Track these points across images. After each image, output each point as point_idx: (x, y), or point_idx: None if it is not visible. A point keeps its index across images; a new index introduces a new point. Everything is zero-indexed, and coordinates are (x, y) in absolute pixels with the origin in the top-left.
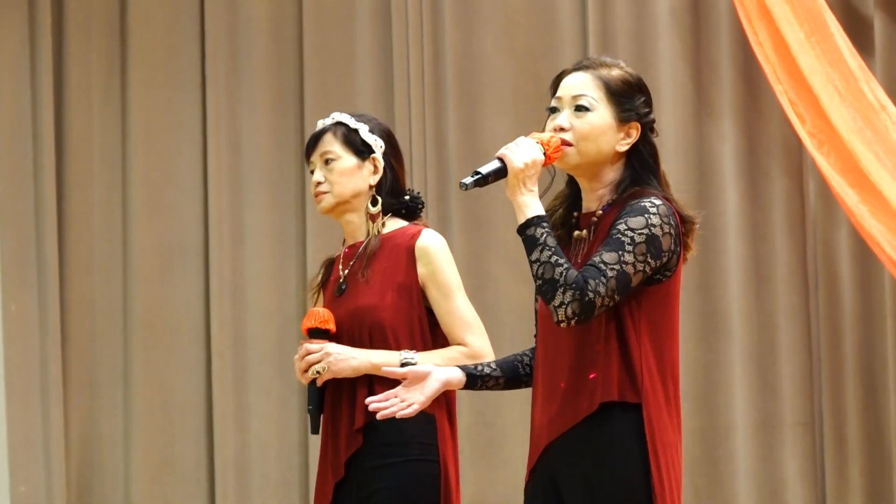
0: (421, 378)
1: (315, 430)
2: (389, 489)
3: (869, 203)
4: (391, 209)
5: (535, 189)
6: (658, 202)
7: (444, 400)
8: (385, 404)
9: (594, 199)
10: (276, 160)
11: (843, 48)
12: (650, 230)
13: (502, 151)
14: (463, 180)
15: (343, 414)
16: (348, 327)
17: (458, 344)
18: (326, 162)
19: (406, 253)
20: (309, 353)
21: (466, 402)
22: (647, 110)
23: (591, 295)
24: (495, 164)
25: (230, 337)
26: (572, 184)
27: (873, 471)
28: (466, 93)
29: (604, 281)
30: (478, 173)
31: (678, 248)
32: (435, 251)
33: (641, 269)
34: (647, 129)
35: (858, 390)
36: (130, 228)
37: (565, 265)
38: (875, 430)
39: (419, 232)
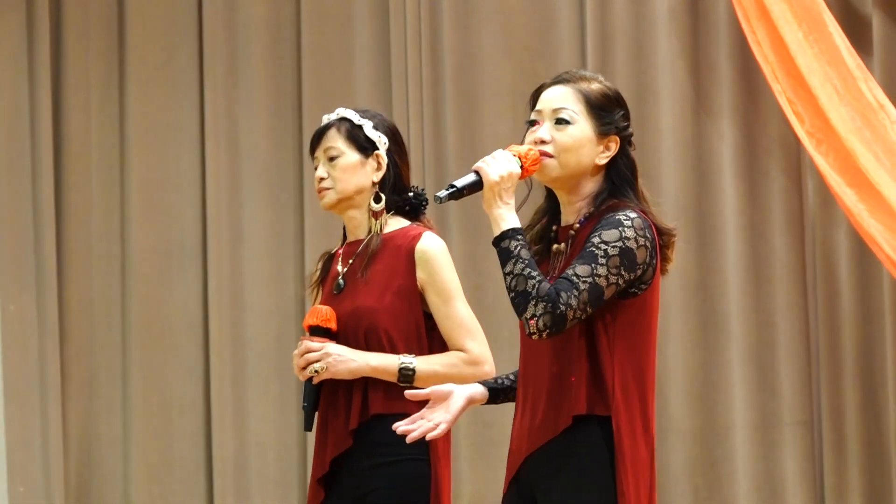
0: (444, 397)
1: (308, 428)
2: (383, 489)
3: (867, 202)
4: (394, 206)
5: (512, 202)
6: (633, 215)
7: None
8: (413, 426)
9: (572, 211)
10: (274, 160)
11: (842, 47)
12: (624, 243)
13: (478, 164)
14: (437, 193)
15: (338, 414)
16: (344, 327)
17: (458, 349)
18: (330, 158)
19: (406, 256)
20: (309, 351)
21: None
22: (625, 124)
23: (562, 308)
24: (471, 178)
25: (229, 337)
26: (551, 197)
27: (872, 469)
28: (465, 92)
29: (576, 294)
30: (453, 186)
31: (654, 261)
32: (435, 256)
33: (615, 281)
34: (626, 142)
35: (857, 389)
36: (129, 228)
37: (538, 277)
38: (874, 428)
39: (420, 235)
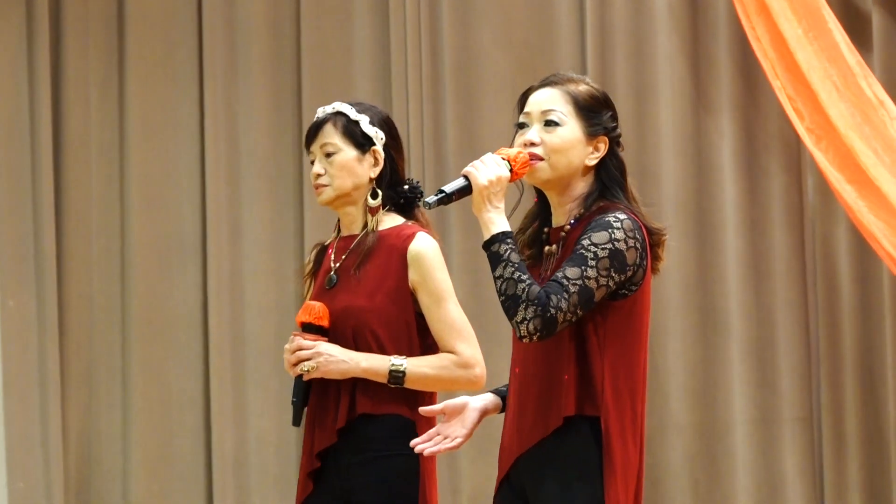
0: (458, 411)
1: (296, 423)
2: (370, 483)
3: (867, 198)
4: (390, 201)
5: (501, 205)
6: (623, 216)
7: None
8: (430, 444)
9: (563, 213)
10: (273, 156)
11: (841, 44)
12: (614, 245)
13: (467, 169)
14: (426, 199)
15: (326, 411)
16: (333, 324)
17: (449, 351)
18: (327, 154)
19: (399, 256)
20: (301, 349)
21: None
22: (614, 124)
23: (552, 311)
24: (460, 182)
25: (228, 332)
26: (542, 200)
27: (872, 465)
28: (464, 88)
29: (566, 296)
30: (442, 192)
31: (644, 262)
32: (427, 257)
33: (605, 283)
34: (615, 143)
35: (857, 385)
36: (128, 224)
37: (528, 281)
38: (874, 424)
39: (413, 235)
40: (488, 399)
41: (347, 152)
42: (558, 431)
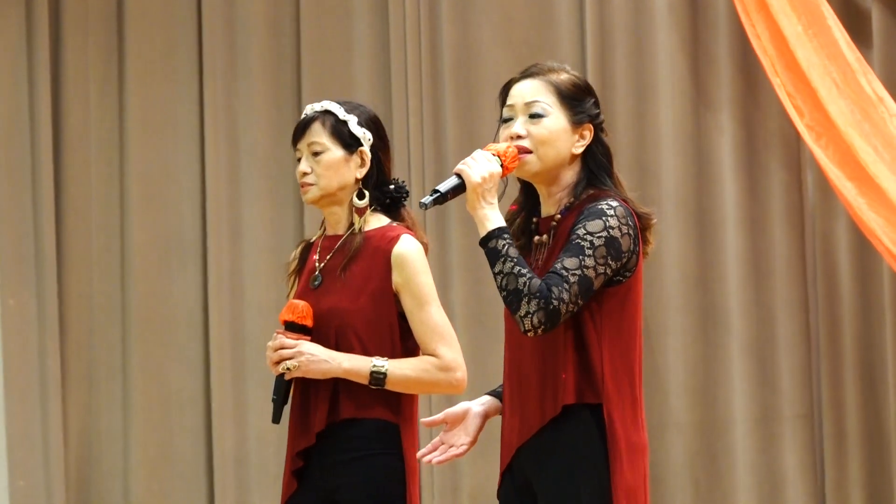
0: (460, 418)
1: (276, 420)
2: (354, 483)
3: (867, 195)
4: (376, 202)
5: (495, 201)
6: (615, 203)
7: (409, 412)
8: (435, 453)
9: (552, 203)
10: (273, 154)
11: (841, 41)
12: (609, 232)
13: (459, 167)
14: (422, 200)
15: (307, 411)
16: (316, 324)
17: (430, 354)
18: (314, 153)
19: (383, 258)
20: (283, 347)
21: (464, 396)
22: (597, 111)
23: (555, 303)
24: (454, 181)
25: (228, 331)
26: (528, 190)
27: (873, 463)
28: (464, 87)
29: (566, 287)
30: (436, 191)
31: (637, 248)
32: (411, 260)
33: (603, 271)
34: (599, 129)
35: (857, 382)
36: (128, 222)
37: (528, 275)
38: (874, 422)
39: (398, 237)
40: (488, 402)
41: (335, 152)
42: (558, 421)
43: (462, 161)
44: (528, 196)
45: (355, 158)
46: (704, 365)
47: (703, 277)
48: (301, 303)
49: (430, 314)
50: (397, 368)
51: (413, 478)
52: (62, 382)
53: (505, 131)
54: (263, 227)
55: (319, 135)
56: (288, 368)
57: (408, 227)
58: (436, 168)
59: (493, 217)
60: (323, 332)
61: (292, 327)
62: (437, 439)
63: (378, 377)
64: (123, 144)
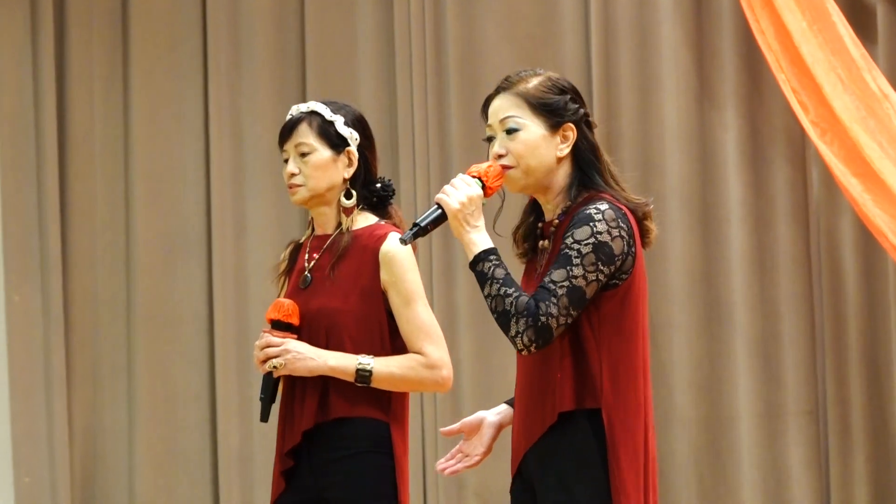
0: (475, 428)
1: (264, 419)
2: (343, 480)
3: (872, 192)
4: (363, 200)
5: (480, 223)
6: (604, 207)
7: (399, 410)
8: (452, 462)
9: (551, 208)
10: (278, 151)
11: (846, 37)
12: (596, 238)
13: (438, 196)
14: (402, 236)
15: (294, 410)
16: (307, 323)
17: (416, 352)
18: (302, 154)
19: (371, 256)
20: (269, 346)
21: (469, 394)
22: (576, 106)
23: (543, 319)
24: (433, 211)
25: (233, 328)
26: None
27: (877, 459)
28: (468, 82)
29: (554, 301)
30: (416, 225)
31: (633, 249)
32: (398, 258)
33: (594, 278)
34: (583, 124)
35: (862, 378)
36: (133, 219)
37: (514, 294)
38: (879, 417)
39: (385, 235)
40: (503, 411)
41: (322, 153)
42: (557, 427)
43: (441, 189)
44: (535, 201)
45: (343, 158)
46: (709, 361)
47: (707, 273)
48: (287, 301)
49: (416, 312)
50: (383, 366)
51: (403, 476)
52: (67, 379)
53: (490, 150)
54: (268, 223)
55: (307, 135)
56: (275, 367)
57: (395, 225)
58: (440, 162)
59: (478, 240)
60: (314, 331)
61: (278, 325)
62: (455, 449)
63: (364, 374)
64: (128, 141)
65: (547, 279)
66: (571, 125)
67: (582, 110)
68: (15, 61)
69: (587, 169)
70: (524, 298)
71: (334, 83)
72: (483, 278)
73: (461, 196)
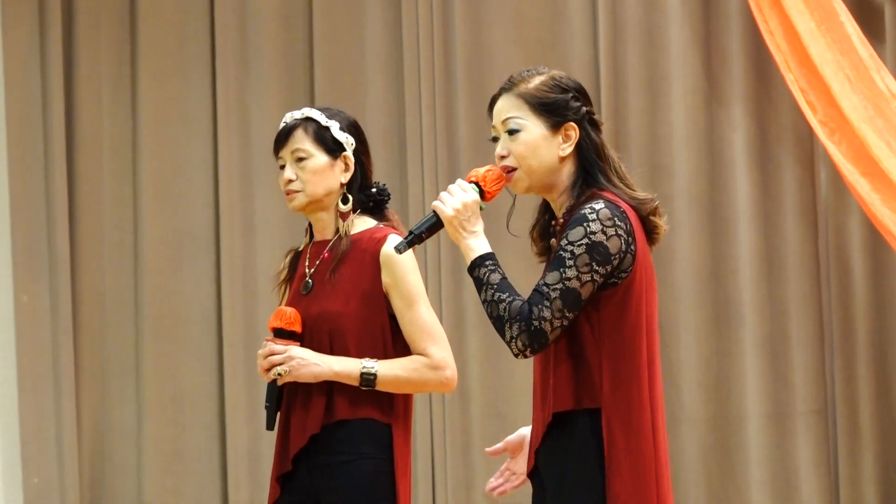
0: (519, 446)
1: (270, 427)
2: (341, 486)
3: (881, 191)
4: (360, 205)
5: (477, 228)
6: (599, 206)
7: (402, 410)
8: (501, 481)
9: (558, 207)
10: None
11: (854, 37)
12: (590, 239)
13: (434, 203)
14: (396, 245)
15: (297, 416)
16: (310, 329)
17: (420, 353)
18: (299, 159)
19: (372, 259)
20: (273, 354)
21: (477, 395)
22: (578, 105)
23: (536, 323)
24: (429, 219)
25: (242, 327)
26: None
27: (886, 458)
28: (476, 84)
29: (547, 304)
30: (411, 233)
31: (631, 247)
32: (399, 259)
33: (589, 279)
34: (586, 122)
35: (871, 378)
36: (141, 219)
37: (507, 299)
38: (888, 417)
39: (385, 237)
40: None
41: (319, 158)
42: (555, 427)
43: (438, 196)
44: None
45: (339, 163)
46: (717, 360)
47: (716, 273)
48: (289, 309)
49: (419, 313)
50: (387, 369)
51: (403, 480)
52: (75, 379)
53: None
54: (276, 223)
55: (303, 141)
56: (279, 374)
57: (393, 228)
58: (448, 164)
59: (475, 246)
60: (317, 336)
61: (281, 334)
62: (503, 467)
63: (368, 378)
64: (136, 141)
65: (541, 282)
66: (573, 124)
67: (584, 109)
68: (23, 61)
69: (590, 168)
70: (517, 303)
71: (342, 84)
72: (479, 284)
73: (456, 202)
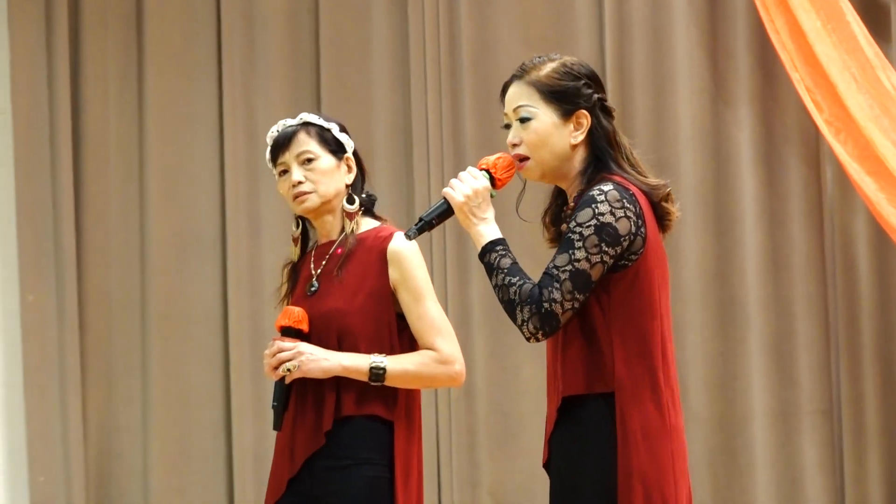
0: None
1: (277, 427)
2: (341, 491)
3: (887, 191)
4: (363, 206)
5: (488, 214)
6: (608, 188)
7: (405, 406)
8: None
9: (570, 193)
10: None
11: (860, 36)
12: (598, 220)
13: (444, 190)
14: (407, 231)
15: (307, 413)
16: (317, 328)
17: (428, 348)
18: (306, 161)
19: (378, 256)
20: (281, 351)
21: (483, 392)
22: (590, 92)
23: (546, 305)
24: (439, 205)
25: (247, 327)
26: None
27: (892, 458)
28: (482, 83)
29: (557, 286)
30: (420, 220)
31: (641, 229)
32: (406, 255)
33: (598, 260)
34: (598, 109)
35: (877, 377)
36: (147, 218)
37: (518, 282)
38: (894, 416)
39: (391, 235)
40: None
41: (326, 159)
42: (568, 412)
43: (448, 183)
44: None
45: (343, 165)
46: (723, 360)
47: (721, 272)
48: (296, 308)
49: (427, 308)
50: (396, 364)
51: (404, 486)
52: (82, 379)
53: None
54: (282, 222)
55: (308, 143)
56: (289, 370)
57: (395, 227)
58: (454, 162)
59: (485, 232)
60: (325, 334)
61: (288, 332)
62: None
63: (378, 373)
64: (142, 141)
65: (550, 265)
66: (585, 112)
67: (596, 96)
68: (30, 61)
69: (602, 155)
70: (528, 286)
71: (348, 83)
72: (490, 269)
73: (466, 189)
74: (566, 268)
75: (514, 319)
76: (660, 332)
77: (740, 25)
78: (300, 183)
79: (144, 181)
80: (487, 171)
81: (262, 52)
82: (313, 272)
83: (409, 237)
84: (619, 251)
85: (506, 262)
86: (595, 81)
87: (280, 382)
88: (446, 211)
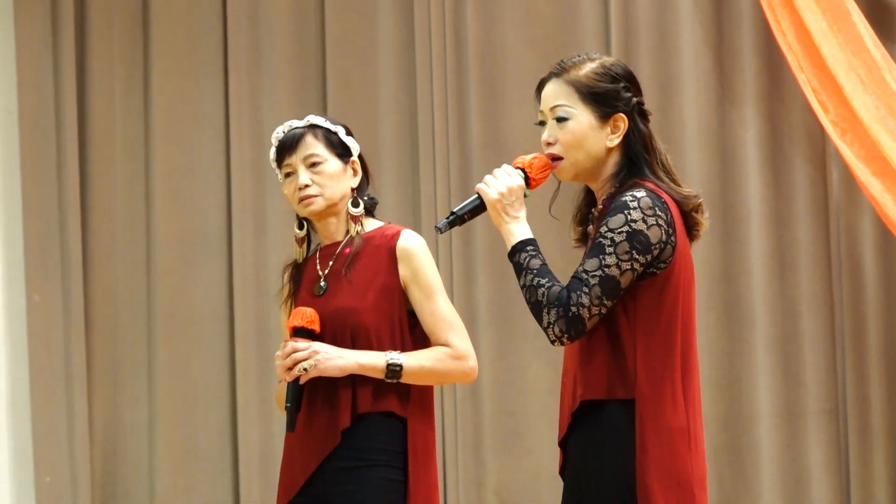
0: None
1: (291, 428)
2: (352, 492)
3: (892, 191)
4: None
5: (520, 214)
6: (641, 194)
7: (419, 401)
8: None
9: (599, 195)
10: None
11: (866, 37)
12: (631, 227)
13: (478, 186)
14: (437, 224)
15: (321, 413)
16: (330, 328)
17: (441, 344)
18: (313, 164)
19: (387, 254)
20: (296, 351)
21: (489, 392)
22: (629, 95)
23: (574, 309)
24: (472, 201)
25: (253, 326)
26: None
27: None
28: (488, 82)
29: (586, 291)
30: (453, 213)
31: (672, 238)
32: (416, 252)
33: (629, 267)
34: (635, 113)
35: (882, 377)
36: (153, 218)
37: (546, 284)
38: None
39: (399, 233)
40: None
41: (333, 162)
42: (586, 416)
43: (483, 179)
44: (588, 187)
45: (348, 169)
46: (729, 360)
47: (727, 273)
48: (307, 309)
49: (438, 304)
50: (412, 360)
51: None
52: (87, 378)
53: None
54: (288, 221)
55: (315, 146)
56: (304, 370)
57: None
58: (460, 163)
59: (516, 231)
60: (338, 334)
61: (300, 332)
62: None
63: (394, 369)
64: (149, 141)
65: (580, 268)
66: (623, 115)
67: (635, 99)
68: (36, 61)
69: (637, 159)
70: (556, 289)
71: (354, 83)
72: (519, 269)
73: (501, 186)
74: (596, 273)
75: (539, 321)
76: (684, 341)
77: (746, 26)
78: (307, 186)
79: (150, 181)
80: (523, 170)
81: (268, 52)
82: (320, 273)
83: (439, 230)
84: (649, 259)
85: (535, 262)
86: (633, 84)
87: (294, 383)
88: (479, 206)
